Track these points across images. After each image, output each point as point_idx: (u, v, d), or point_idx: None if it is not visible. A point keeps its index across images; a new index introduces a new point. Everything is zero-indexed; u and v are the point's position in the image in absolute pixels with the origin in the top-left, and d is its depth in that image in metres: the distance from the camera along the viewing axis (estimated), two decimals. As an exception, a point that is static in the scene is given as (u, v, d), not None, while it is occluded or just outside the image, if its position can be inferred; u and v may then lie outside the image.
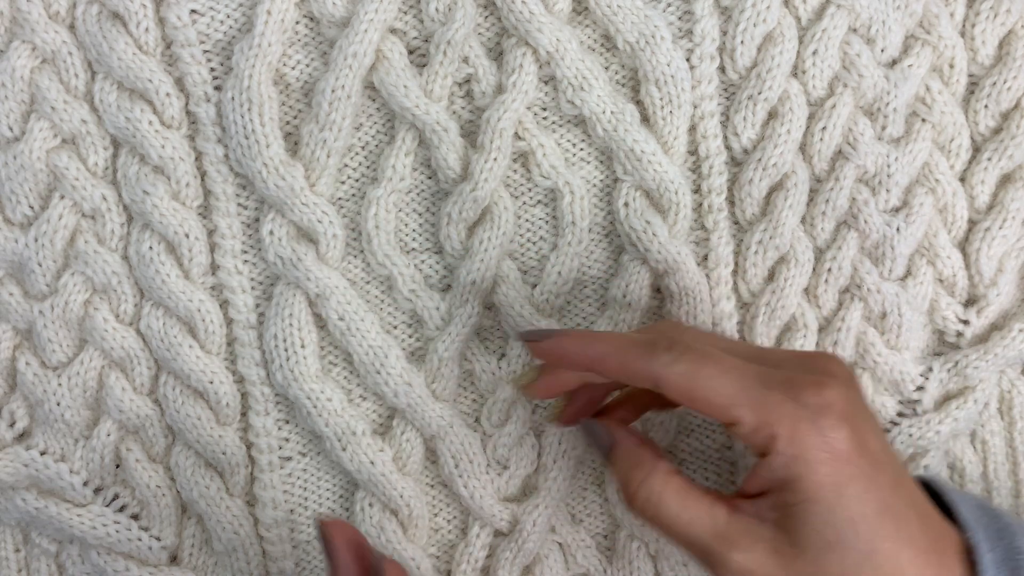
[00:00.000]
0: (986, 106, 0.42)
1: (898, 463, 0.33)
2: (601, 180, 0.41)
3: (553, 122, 0.41)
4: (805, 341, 0.42)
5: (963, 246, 0.43)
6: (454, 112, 0.41)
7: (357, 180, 0.41)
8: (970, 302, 0.43)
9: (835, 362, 0.34)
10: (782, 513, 0.31)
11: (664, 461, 0.34)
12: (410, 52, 0.40)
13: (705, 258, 0.42)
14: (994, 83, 0.42)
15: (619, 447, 0.35)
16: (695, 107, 0.41)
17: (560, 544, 0.43)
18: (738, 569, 0.31)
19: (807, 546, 0.30)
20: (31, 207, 0.40)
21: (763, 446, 0.31)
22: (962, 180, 0.42)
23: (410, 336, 0.42)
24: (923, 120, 0.42)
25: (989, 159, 0.42)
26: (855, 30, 0.41)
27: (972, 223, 0.43)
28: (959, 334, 0.43)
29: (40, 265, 0.40)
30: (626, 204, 0.41)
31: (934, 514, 0.33)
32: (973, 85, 0.43)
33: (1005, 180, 0.42)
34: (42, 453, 0.41)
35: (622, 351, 0.33)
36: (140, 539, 0.42)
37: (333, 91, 0.39)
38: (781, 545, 0.31)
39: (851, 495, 0.31)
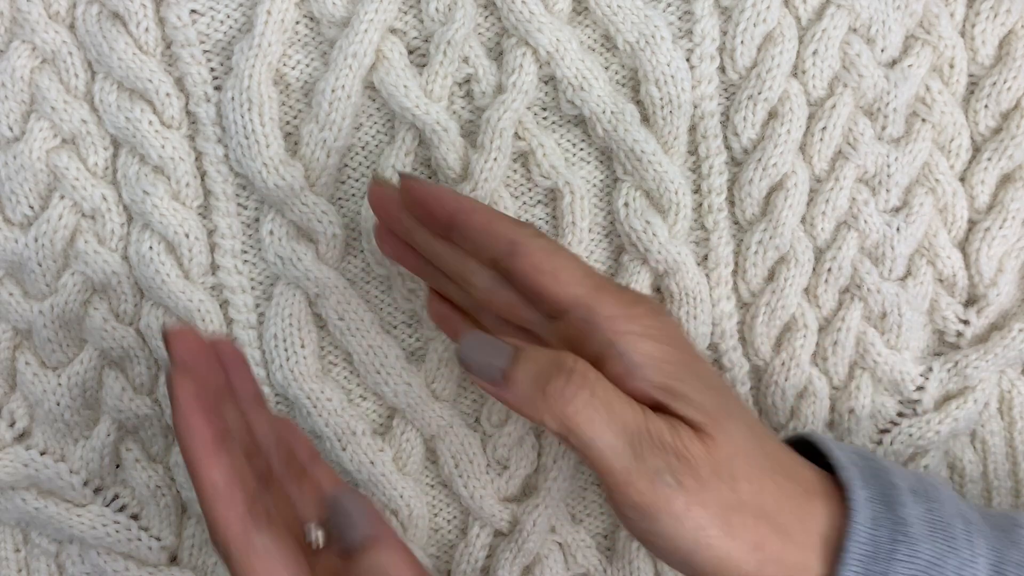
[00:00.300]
0: (986, 106, 0.42)
1: None
2: (601, 180, 0.42)
3: (553, 122, 0.41)
4: (805, 341, 0.42)
5: (963, 246, 0.43)
6: (454, 112, 0.41)
7: (357, 180, 0.41)
8: (970, 302, 0.43)
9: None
10: (671, 410, 0.31)
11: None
12: (410, 52, 0.40)
13: (705, 258, 0.42)
14: (994, 83, 0.42)
15: (527, 349, 0.31)
16: (695, 107, 0.41)
17: (560, 544, 0.43)
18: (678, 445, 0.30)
19: (712, 419, 0.31)
20: (31, 207, 0.40)
21: (583, 320, 0.31)
22: (962, 180, 0.42)
23: (410, 336, 0.42)
24: (923, 120, 0.42)
25: (989, 159, 0.42)
26: (855, 30, 0.41)
27: (972, 223, 0.43)
28: (959, 334, 0.43)
29: (40, 265, 0.40)
30: (626, 204, 0.41)
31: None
32: (973, 85, 0.43)
33: (1005, 180, 0.42)
34: (42, 453, 0.42)
35: (494, 212, 0.33)
36: (140, 539, 0.42)
37: (333, 91, 0.39)
38: (702, 430, 0.31)
39: (703, 373, 0.32)
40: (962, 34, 0.42)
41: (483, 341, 0.32)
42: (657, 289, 0.42)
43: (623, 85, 0.41)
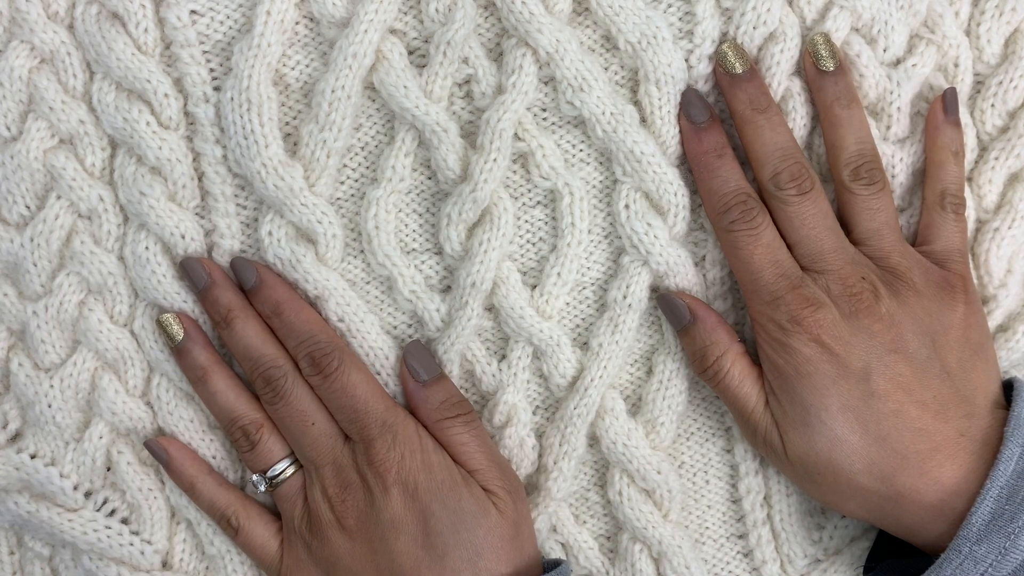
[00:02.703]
0: (992, 105, 0.44)
1: None
2: (600, 181, 0.43)
3: (553, 123, 0.43)
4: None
5: (972, 247, 0.44)
6: (454, 113, 0.42)
7: (357, 181, 0.43)
8: None
9: None
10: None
11: (737, 343, 0.42)
12: (410, 53, 0.42)
13: (703, 259, 0.44)
14: (1000, 82, 0.44)
15: (700, 324, 0.42)
16: (696, 107, 0.42)
17: (562, 544, 0.45)
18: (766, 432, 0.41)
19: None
20: (27, 207, 0.42)
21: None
22: (969, 180, 0.44)
23: (410, 337, 0.44)
24: None
25: (996, 158, 0.44)
26: (857, 30, 0.42)
27: (980, 223, 0.44)
28: None
29: (35, 265, 0.42)
30: (627, 206, 0.42)
31: None
32: (979, 84, 0.44)
33: (1013, 179, 0.44)
34: (33, 456, 0.43)
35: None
36: (132, 544, 0.44)
37: (333, 91, 0.41)
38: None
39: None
40: (967, 33, 0.44)
41: (672, 299, 0.43)
42: (656, 290, 0.44)
43: (622, 86, 0.43)
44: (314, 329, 0.41)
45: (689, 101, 0.42)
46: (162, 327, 0.42)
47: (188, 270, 0.42)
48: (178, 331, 0.42)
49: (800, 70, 0.43)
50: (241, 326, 0.42)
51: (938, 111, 0.43)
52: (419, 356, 0.42)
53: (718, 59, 0.42)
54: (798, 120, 0.43)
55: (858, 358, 0.39)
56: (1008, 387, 0.42)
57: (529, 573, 0.41)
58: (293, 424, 0.41)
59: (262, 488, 0.43)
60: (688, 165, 0.43)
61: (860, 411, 0.39)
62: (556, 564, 0.42)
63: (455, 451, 0.41)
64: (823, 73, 0.41)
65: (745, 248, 0.40)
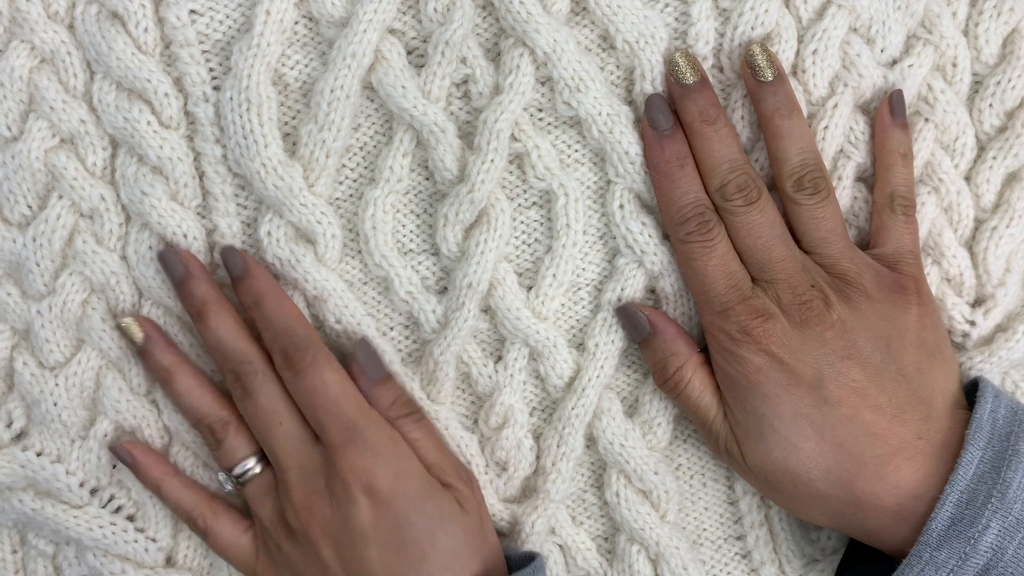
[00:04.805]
0: (991, 105, 0.43)
1: None
2: (595, 182, 0.43)
3: (549, 123, 0.42)
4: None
5: (970, 245, 0.44)
6: (452, 113, 0.42)
7: (355, 181, 0.43)
8: (977, 302, 0.44)
9: None
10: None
11: (697, 354, 0.42)
12: (408, 52, 0.42)
13: None
14: (998, 82, 0.43)
15: (660, 336, 0.42)
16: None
17: (560, 546, 0.45)
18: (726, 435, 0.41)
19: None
20: (29, 207, 0.42)
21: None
22: (967, 179, 0.44)
23: (406, 338, 0.43)
24: (926, 120, 0.43)
25: (994, 158, 0.43)
26: (855, 30, 0.42)
27: (978, 222, 0.44)
28: (965, 335, 0.44)
29: (38, 265, 0.42)
30: (621, 206, 0.42)
31: None
32: (977, 84, 0.44)
33: (1011, 178, 0.43)
34: (38, 454, 0.43)
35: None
36: (136, 540, 0.43)
37: (332, 91, 0.40)
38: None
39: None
40: (965, 33, 0.43)
41: (632, 311, 0.42)
42: (652, 291, 0.43)
43: (617, 85, 0.42)
44: (292, 323, 0.40)
45: (654, 107, 0.41)
46: (123, 331, 0.42)
47: (165, 261, 0.41)
48: (138, 334, 0.41)
49: (799, 70, 0.42)
50: (215, 319, 0.40)
51: (885, 114, 0.42)
52: (368, 356, 0.41)
53: (669, 68, 0.41)
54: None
55: (809, 366, 0.39)
56: (972, 388, 0.41)
57: (492, 560, 0.40)
58: (261, 423, 0.40)
59: (229, 487, 0.42)
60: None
61: (814, 418, 0.39)
62: (530, 557, 0.41)
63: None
64: (762, 84, 0.40)
65: (699, 260, 0.40)
